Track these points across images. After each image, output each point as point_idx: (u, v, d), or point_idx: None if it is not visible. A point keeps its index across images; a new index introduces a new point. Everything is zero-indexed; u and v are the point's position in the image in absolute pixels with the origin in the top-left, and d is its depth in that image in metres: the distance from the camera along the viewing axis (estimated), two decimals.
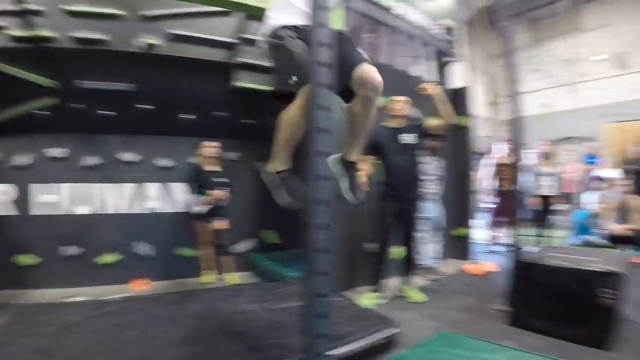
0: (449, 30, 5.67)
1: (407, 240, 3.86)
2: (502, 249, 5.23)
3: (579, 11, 11.28)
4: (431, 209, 4.58)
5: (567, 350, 2.62)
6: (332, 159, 1.98)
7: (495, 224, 6.28)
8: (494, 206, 6.31)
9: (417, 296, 3.78)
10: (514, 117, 3.38)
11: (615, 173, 7.20)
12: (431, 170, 4.54)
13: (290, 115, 1.94)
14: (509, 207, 5.73)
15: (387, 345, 2.61)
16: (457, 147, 5.48)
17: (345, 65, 1.80)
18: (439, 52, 5.67)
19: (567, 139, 10.49)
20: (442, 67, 5.82)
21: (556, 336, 2.79)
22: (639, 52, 10.17)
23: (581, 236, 6.11)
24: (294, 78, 1.89)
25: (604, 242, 5.54)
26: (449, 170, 5.08)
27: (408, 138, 3.74)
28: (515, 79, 3.34)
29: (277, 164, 2.06)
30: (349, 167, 2.07)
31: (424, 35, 5.33)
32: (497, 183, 6.22)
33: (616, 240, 5.35)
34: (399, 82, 4.71)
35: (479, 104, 11.03)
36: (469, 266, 4.94)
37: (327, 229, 1.69)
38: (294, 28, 1.92)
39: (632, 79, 10.14)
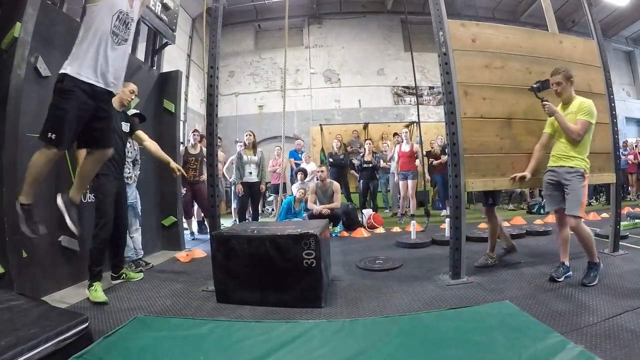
0: (166, 8, 5.40)
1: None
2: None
3: (304, 29, 13.36)
4: (130, 194, 4.30)
5: (280, 314, 2.80)
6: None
7: (187, 214, 6.47)
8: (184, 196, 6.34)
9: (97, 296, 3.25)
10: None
11: (314, 166, 8.79)
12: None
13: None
14: (199, 197, 6.25)
15: (78, 342, 2.30)
16: (163, 133, 5.40)
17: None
18: (155, 31, 5.43)
19: (278, 137, 12.08)
20: (154, 47, 5.62)
21: (267, 304, 2.93)
22: (342, 71, 13.02)
23: (286, 219, 7.05)
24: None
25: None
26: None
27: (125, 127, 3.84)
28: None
29: (23, 197, 2.38)
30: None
31: None
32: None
33: (315, 219, 6.37)
34: None
35: (196, 100, 11.41)
36: (181, 254, 4.92)
37: None
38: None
39: (335, 91, 12.95)
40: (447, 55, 3.49)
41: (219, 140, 7.93)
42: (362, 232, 6.25)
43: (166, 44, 5.70)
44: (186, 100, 10.70)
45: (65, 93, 2.32)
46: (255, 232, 3.06)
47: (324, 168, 6.64)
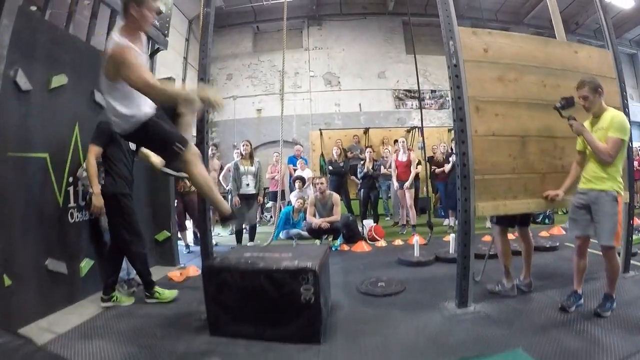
0: (158, 13, 5.20)
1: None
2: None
3: (303, 31, 13.18)
4: None
5: (277, 352, 2.64)
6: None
7: (181, 226, 6.30)
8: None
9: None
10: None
11: (310, 173, 8.60)
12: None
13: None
14: (190, 208, 6.07)
15: None
16: None
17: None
18: (147, 36, 5.23)
19: (276, 142, 11.91)
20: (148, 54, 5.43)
21: (263, 339, 2.75)
22: (343, 74, 12.78)
23: (285, 230, 6.89)
24: None
25: (306, 234, 6.39)
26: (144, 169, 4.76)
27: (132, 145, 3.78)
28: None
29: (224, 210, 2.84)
30: None
31: None
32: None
33: (315, 233, 6.22)
34: (95, 62, 4.11)
35: None
36: (174, 273, 4.71)
37: None
38: None
39: (335, 95, 12.67)
40: (457, 66, 3.22)
41: (214, 147, 7.79)
42: (363, 246, 6.06)
43: (158, 50, 5.50)
44: None
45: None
46: (250, 262, 2.86)
47: (324, 180, 6.42)
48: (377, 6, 13.28)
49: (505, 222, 3.58)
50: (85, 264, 3.94)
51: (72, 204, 3.87)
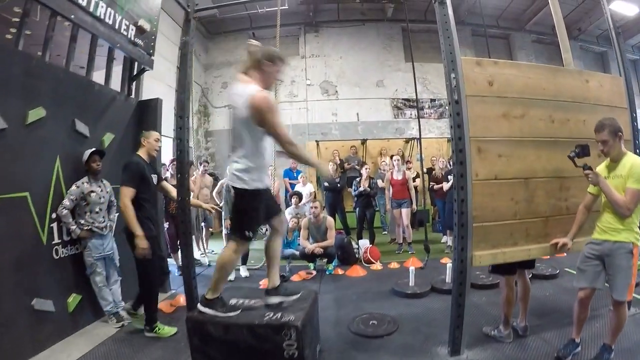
0: (142, 32, 5.03)
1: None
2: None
3: (300, 38, 13.05)
4: (106, 245, 4.13)
5: None
6: None
7: (173, 248, 6.21)
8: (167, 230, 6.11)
9: None
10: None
11: (311, 188, 8.46)
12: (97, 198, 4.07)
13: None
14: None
15: None
16: None
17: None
18: (130, 57, 5.12)
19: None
20: (131, 75, 5.31)
21: None
22: (340, 82, 12.68)
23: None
24: None
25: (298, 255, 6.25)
26: None
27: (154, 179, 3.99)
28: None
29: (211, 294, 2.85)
30: None
31: (110, 35, 4.53)
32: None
33: (308, 257, 6.13)
34: (76, 88, 4.16)
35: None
36: (164, 304, 4.60)
37: None
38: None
39: (333, 104, 12.55)
40: (459, 103, 2.97)
41: (206, 164, 7.69)
42: (357, 270, 5.96)
43: (144, 70, 5.39)
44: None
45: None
46: (234, 316, 2.80)
47: (317, 204, 6.32)
48: (375, 12, 13.16)
49: (502, 270, 3.38)
50: (73, 299, 3.92)
51: (56, 240, 3.83)
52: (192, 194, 4.30)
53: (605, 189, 2.82)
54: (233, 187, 2.73)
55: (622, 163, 2.84)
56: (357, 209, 7.71)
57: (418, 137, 9.35)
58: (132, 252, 3.63)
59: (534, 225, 3.24)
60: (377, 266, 6.28)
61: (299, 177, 8.93)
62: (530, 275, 4.01)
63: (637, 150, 3.76)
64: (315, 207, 6.21)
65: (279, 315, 2.74)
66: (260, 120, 2.55)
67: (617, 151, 2.85)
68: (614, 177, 2.86)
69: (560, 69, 3.66)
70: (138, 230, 3.50)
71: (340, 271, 6.05)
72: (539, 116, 3.29)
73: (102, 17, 4.29)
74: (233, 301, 3.04)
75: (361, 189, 7.39)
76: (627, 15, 11.78)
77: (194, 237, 7.10)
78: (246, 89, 2.60)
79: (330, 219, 6.44)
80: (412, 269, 5.06)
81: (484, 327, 3.59)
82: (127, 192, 3.55)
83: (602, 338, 3.06)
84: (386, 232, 9.15)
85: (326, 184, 8.23)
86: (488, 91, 3.15)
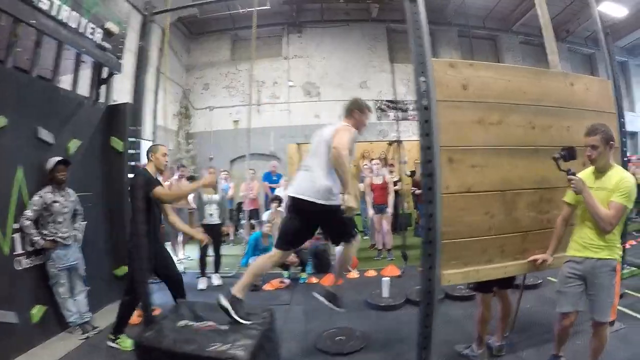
0: (110, 35, 4.92)
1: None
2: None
3: (283, 39, 12.97)
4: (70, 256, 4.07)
5: None
6: None
7: None
8: None
9: None
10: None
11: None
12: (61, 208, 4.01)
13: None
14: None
15: None
16: (110, 175, 5.11)
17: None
18: (98, 62, 5.03)
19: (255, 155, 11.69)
20: (100, 79, 5.22)
21: None
22: (323, 84, 12.60)
23: (254, 257, 6.65)
24: None
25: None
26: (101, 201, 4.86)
27: None
28: None
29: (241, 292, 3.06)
30: None
31: (75, 39, 4.44)
32: None
33: (281, 265, 5.94)
34: (40, 95, 4.10)
35: (168, 115, 10.92)
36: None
37: None
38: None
39: (315, 106, 12.49)
40: (428, 109, 2.67)
41: (183, 168, 7.58)
42: (332, 280, 5.89)
43: (112, 74, 5.30)
44: (155, 118, 10.20)
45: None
46: (180, 342, 2.65)
47: None
48: (360, 12, 13.09)
49: (478, 287, 3.27)
50: (38, 311, 3.88)
51: (19, 251, 3.78)
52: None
53: (589, 200, 2.65)
54: (318, 203, 3.04)
55: (609, 175, 2.71)
56: None
57: (400, 139, 9.46)
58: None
59: (511, 240, 3.07)
60: (354, 274, 6.25)
61: (280, 181, 8.86)
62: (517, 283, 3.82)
63: (624, 159, 3.65)
64: None
65: (228, 346, 2.57)
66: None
67: (605, 160, 2.72)
68: (599, 189, 2.71)
69: (543, 71, 3.42)
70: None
71: (314, 280, 5.98)
72: (517, 122, 3.10)
73: (66, 21, 4.20)
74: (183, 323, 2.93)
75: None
76: (616, 16, 11.86)
77: (170, 243, 7.07)
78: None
79: None
80: (385, 280, 5.01)
81: (456, 345, 3.51)
82: (161, 191, 3.76)
83: (585, 357, 2.93)
84: (367, 236, 9.10)
85: None
86: (462, 95, 2.93)
